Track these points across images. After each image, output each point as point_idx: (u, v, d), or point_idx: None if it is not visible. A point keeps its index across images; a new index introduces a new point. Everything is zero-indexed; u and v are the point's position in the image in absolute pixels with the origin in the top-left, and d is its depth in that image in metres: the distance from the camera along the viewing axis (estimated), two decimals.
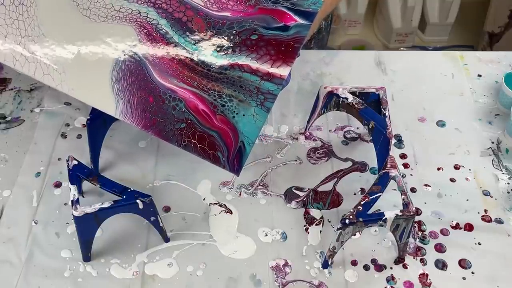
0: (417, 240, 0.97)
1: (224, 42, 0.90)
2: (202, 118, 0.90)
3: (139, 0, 0.89)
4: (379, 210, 0.90)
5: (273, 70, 0.89)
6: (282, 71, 0.89)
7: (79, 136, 1.12)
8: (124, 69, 0.89)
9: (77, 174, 0.92)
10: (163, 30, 0.90)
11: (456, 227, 0.99)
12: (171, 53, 0.90)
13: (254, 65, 0.89)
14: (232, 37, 0.90)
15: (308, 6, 0.89)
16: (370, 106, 1.04)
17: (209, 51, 0.90)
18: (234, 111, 0.90)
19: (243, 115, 0.90)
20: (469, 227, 0.99)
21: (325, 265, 0.93)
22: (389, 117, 1.03)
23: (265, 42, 0.89)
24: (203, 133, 0.90)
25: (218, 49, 0.90)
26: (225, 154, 0.91)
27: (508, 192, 1.04)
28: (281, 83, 0.90)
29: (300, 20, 0.89)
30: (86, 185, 0.99)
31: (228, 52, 0.90)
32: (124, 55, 0.89)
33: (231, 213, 1.01)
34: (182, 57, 0.90)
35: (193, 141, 0.91)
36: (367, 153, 1.10)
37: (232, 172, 0.91)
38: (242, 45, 0.90)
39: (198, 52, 0.90)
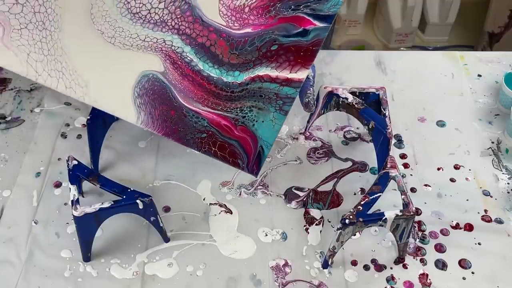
0: (417, 240, 0.97)
1: (246, 61, 0.91)
2: (223, 130, 0.93)
3: (163, 28, 0.91)
4: (379, 210, 0.90)
5: (291, 75, 0.91)
6: (300, 74, 0.91)
7: (79, 136, 1.12)
8: (147, 88, 0.92)
9: (77, 174, 0.92)
10: (188, 58, 0.91)
11: (456, 227, 0.99)
12: (196, 81, 0.92)
13: (274, 73, 0.91)
14: (253, 54, 0.91)
15: (328, 10, 0.90)
16: (370, 106, 1.04)
17: (232, 72, 0.92)
18: (254, 119, 0.93)
19: (262, 121, 0.93)
20: (469, 227, 0.99)
21: (325, 265, 0.93)
22: (389, 117, 1.03)
23: (285, 50, 0.91)
24: (223, 143, 0.93)
25: (241, 69, 0.91)
26: (245, 161, 0.94)
27: (508, 192, 1.04)
28: (299, 86, 0.91)
29: (319, 24, 0.90)
30: (86, 185, 0.99)
31: (250, 69, 0.91)
32: (148, 78, 0.92)
33: (231, 213, 1.01)
34: (207, 85, 0.92)
35: (213, 148, 0.94)
36: (367, 153, 1.10)
37: (251, 174, 0.95)
38: (262, 58, 0.91)
39: (222, 76, 0.92)
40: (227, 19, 0.91)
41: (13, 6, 0.88)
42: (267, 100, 0.92)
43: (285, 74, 0.91)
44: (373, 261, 0.94)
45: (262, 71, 0.91)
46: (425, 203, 1.02)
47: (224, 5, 0.90)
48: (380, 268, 0.93)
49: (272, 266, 0.94)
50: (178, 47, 0.91)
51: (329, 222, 1.00)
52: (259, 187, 1.04)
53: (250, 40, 0.91)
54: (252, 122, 0.92)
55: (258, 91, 0.92)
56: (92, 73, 0.91)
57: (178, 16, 0.90)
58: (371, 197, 0.90)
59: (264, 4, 0.90)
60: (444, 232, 0.98)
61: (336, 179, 1.06)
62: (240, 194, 1.03)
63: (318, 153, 1.10)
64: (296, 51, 0.90)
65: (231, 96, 0.92)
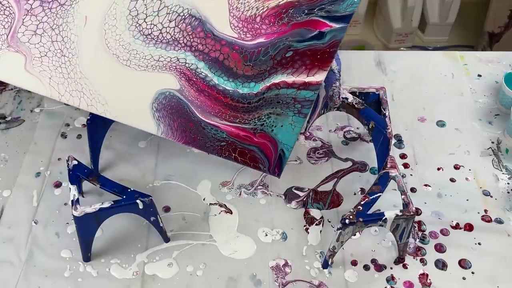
0: (417, 240, 0.97)
1: (261, 71, 0.91)
2: (242, 139, 0.94)
3: (176, 47, 0.92)
4: (379, 210, 0.90)
5: (309, 79, 0.90)
6: (318, 77, 0.91)
7: (79, 136, 1.12)
8: (165, 103, 0.94)
9: (77, 174, 0.92)
10: (203, 74, 0.92)
11: (456, 227, 0.99)
12: (212, 96, 0.93)
13: (290, 79, 0.91)
14: (268, 63, 0.91)
15: (345, 10, 0.89)
16: (370, 106, 1.04)
17: (247, 84, 0.92)
18: (273, 125, 0.93)
19: (281, 126, 0.93)
20: (469, 227, 0.99)
21: (325, 265, 0.93)
22: (389, 117, 1.03)
23: (300, 55, 0.90)
24: (243, 149, 0.94)
25: (256, 79, 0.91)
26: (266, 164, 0.95)
27: (508, 192, 1.04)
28: (318, 88, 0.91)
29: (336, 25, 0.89)
30: (86, 185, 0.99)
31: (265, 78, 0.91)
32: (165, 95, 0.93)
33: (231, 213, 1.01)
34: (223, 98, 0.93)
35: (233, 154, 0.95)
36: (367, 153, 1.10)
37: (273, 176, 0.97)
38: (278, 66, 0.91)
39: (237, 88, 0.92)
40: (239, 30, 0.90)
41: (32, 37, 0.93)
42: (285, 105, 0.92)
43: (302, 78, 0.90)
44: (373, 261, 0.94)
45: (278, 78, 0.91)
46: (425, 203, 1.02)
47: (234, 17, 0.90)
48: (380, 268, 0.93)
49: (272, 266, 0.94)
50: (192, 63, 0.92)
51: (329, 222, 1.00)
52: (259, 187, 1.04)
53: (263, 50, 0.90)
54: (271, 128, 0.93)
55: (275, 98, 0.92)
56: (110, 93, 0.94)
57: (190, 33, 0.91)
58: (371, 197, 0.90)
59: (276, 12, 0.89)
60: (444, 232, 0.98)
61: (336, 179, 1.06)
62: (240, 194, 1.03)
63: (318, 153, 1.10)
64: (312, 55, 0.90)
65: (248, 107, 0.92)
